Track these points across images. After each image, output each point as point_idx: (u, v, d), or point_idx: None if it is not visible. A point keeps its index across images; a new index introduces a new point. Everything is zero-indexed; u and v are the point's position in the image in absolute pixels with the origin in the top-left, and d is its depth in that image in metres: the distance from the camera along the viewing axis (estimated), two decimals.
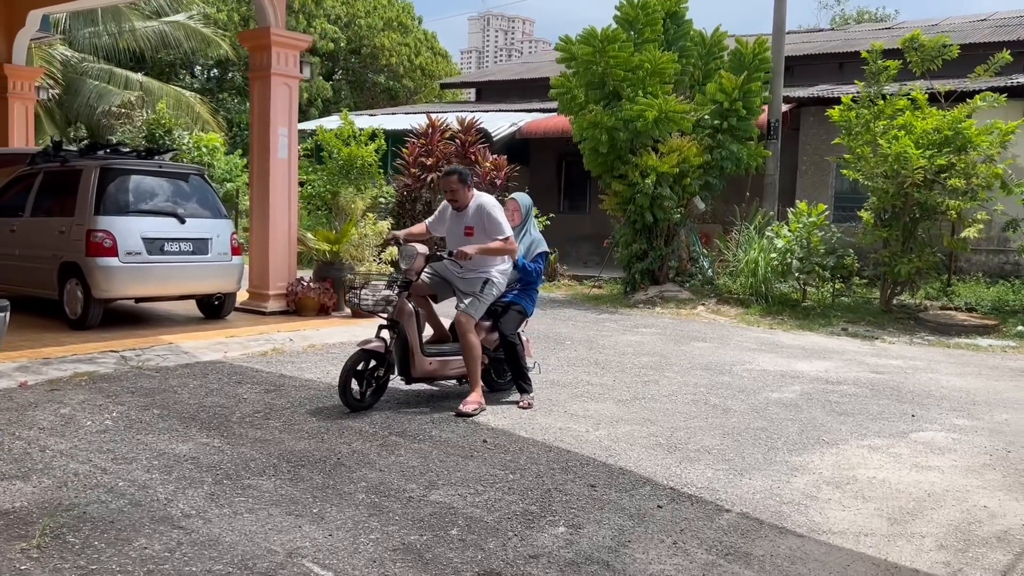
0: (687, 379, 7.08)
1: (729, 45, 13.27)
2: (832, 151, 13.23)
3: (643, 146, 11.99)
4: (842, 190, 15.02)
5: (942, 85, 11.85)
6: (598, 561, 3.43)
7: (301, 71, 10.20)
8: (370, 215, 12.08)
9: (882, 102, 11.21)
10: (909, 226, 10.81)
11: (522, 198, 6.38)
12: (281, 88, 9.72)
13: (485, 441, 5.02)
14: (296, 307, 9.68)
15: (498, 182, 14.00)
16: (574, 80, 12.26)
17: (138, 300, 9.07)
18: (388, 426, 5.27)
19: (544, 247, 6.26)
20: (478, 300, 5.74)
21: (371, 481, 4.25)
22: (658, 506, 4.06)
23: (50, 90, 18.99)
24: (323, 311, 9.77)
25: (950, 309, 11.13)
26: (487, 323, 5.92)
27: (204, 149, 19.25)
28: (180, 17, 22.79)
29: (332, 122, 17.67)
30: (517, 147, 17.51)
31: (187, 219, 8.66)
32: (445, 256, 5.76)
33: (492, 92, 24.06)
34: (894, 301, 11.30)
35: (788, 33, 17.19)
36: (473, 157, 14.46)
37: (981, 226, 10.67)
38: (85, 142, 10.07)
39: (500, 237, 5.69)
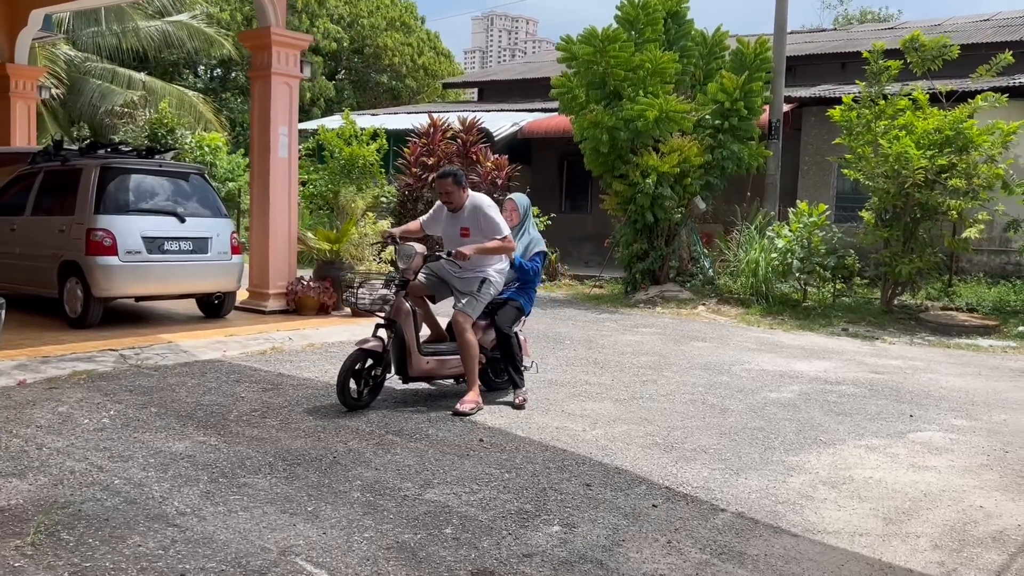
0: (686, 379, 7.07)
1: (730, 45, 13.27)
2: (833, 151, 13.21)
3: (644, 146, 11.99)
4: (843, 190, 15.01)
5: (944, 85, 11.83)
6: (592, 560, 3.43)
7: (302, 70, 10.21)
8: (370, 214, 12.10)
9: (883, 102, 11.20)
10: (910, 226, 10.79)
11: (520, 198, 6.38)
12: (282, 87, 9.73)
13: (481, 440, 5.02)
14: (296, 306, 9.70)
15: (499, 182, 14.00)
16: (575, 80, 12.26)
17: (138, 299, 9.10)
18: (385, 425, 5.27)
19: (542, 247, 6.25)
20: (475, 299, 5.74)
21: (366, 480, 4.25)
22: (653, 505, 4.06)
23: (53, 89, 19.01)
24: (323, 310, 9.78)
25: (951, 309, 11.11)
26: (484, 322, 5.92)
27: (206, 148, 19.29)
28: (183, 17, 22.82)
29: (334, 121, 17.69)
30: (519, 147, 17.51)
31: (187, 218, 8.67)
32: (443, 256, 5.76)
33: (494, 92, 24.07)
34: (895, 301, 11.28)
35: (790, 33, 17.20)
36: (474, 157, 14.47)
37: (982, 226, 10.66)
38: (87, 141, 10.08)
39: (498, 237, 5.68)
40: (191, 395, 5.89)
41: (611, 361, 7.76)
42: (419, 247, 5.76)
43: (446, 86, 32.03)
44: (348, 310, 9.86)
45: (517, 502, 4.03)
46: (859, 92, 11.62)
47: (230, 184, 19.01)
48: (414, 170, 14.83)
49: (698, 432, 5.38)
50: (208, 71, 32.77)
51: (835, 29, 28.79)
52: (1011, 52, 11.61)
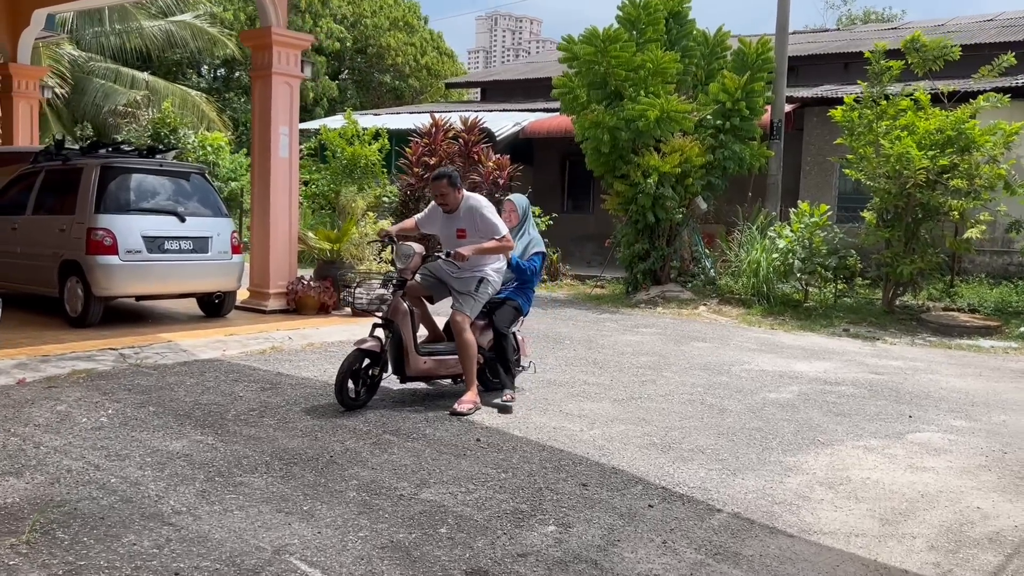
0: (685, 379, 7.06)
1: (732, 45, 13.25)
2: (835, 151, 13.19)
3: (645, 146, 11.98)
4: (845, 190, 14.98)
5: (946, 86, 11.80)
6: (586, 560, 3.43)
7: (302, 70, 10.22)
8: (370, 214, 12.10)
9: (885, 102, 11.17)
10: (912, 227, 10.77)
11: (519, 199, 6.38)
12: (282, 87, 9.74)
13: (478, 440, 5.02)
14: (296, 306, 9.70)
15: (501, 182, 14.00)
16: (576, 80, 12.25)
17: (139, 298, 9.12)
18: (382, 424, 5.27)
19: (541, 247, 6.25)
20: (473, 299, 5.74)
21: (363, 479, 4.25)
22: (649, 505, 4.05)
23: (55, 89, 19.07)
24: (323, 310, 9.79)
25: (953, 310, 11.08)
26: (482, 322, 5.92)
27: (209, 148, 19.32)
28: (186, 16, 22.88)
29: (336, 121, 17.71)
30: (521, 147, 17.51)
31: (187, 217, 8.68)
32: (442, 257, 5.75)
33: (497, 92, 24.08)
34: (897, 302, 11.26)
35: (793, 33, 17.18)
36: (476, 157, 14.47)
37: (984, 227, 10.63)
38: (89, 141, 10.12)
39: (496, 237, 5.67)
40: (189, 394, 5.90)
41: (610, 361, 7.76)
42: (417, 247, 5.76)
43: (449, 86, 32.04)
44: (348, 310, 9.87)
45: (513, 502, 4.02)
46: (861, 92, 11.60)
47: (233, 184, 19.04)
48: (416, 170, 14.84)
49: (696, 432, 5.38)
50: (211, 71, 32.83)
51: (838, 29, 28.73)
52: (1014, 53, 11.58)
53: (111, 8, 20.87)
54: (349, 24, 32.98)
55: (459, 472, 4.42)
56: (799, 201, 12.24)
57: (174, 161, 9.89)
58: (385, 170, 16.10)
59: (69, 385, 6.02)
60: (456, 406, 5.58)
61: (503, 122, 17.25)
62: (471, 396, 5.67)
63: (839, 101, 12.01)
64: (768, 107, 13.05)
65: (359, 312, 9.48)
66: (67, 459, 4.40)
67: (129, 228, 8.26)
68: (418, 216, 6.17)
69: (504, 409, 5.71)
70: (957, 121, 10.33)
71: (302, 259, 11.16)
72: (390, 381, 5.94)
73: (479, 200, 5.81)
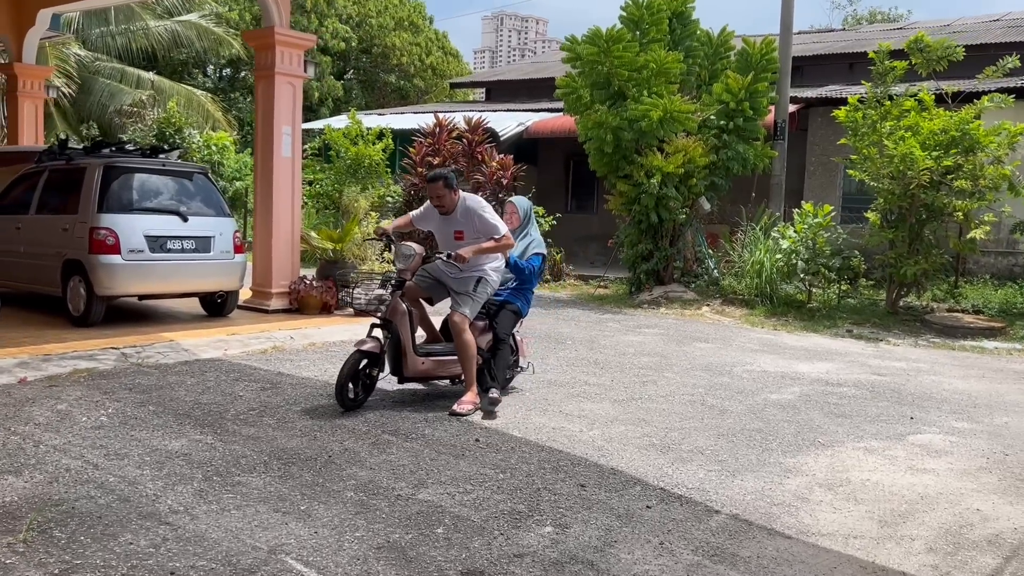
0: (686, 380, 7.05)
1: (736, 45, 13.23)
2: (839, 152, 13.15)
3: (648, 146, 11.96)
4: (850, 191, 14.93)
5: (951, 86, 11.76)
6: (583, 561, 3.42)
7: (305, 70, 10.23)
8: (373, 214, 12.11)
9: (889, 103, 11.14)
10: (915, 227, 10.73)
11: (520, 201, 6.37)
12: (285, 87, 9.75)
13: (477, 440, 5.01)
14: (299, 305, 9.71)
15: (504, 182, 14.00)
16: (579, 80, 12.24)
17: (141, 297, 9.13)
18: (381, 425, 5.27)
19: (541, 248, 6.24)
20: (472, 299, 5.73)
21: (360, 479, 4.25)
22: (647, 506, 4.04)
23: (63, 88, 19.13)
24: (325, 309, 9.79)
25: (957, 311, 11.04)
26: (481, 323, 5.91)
27: (214, 148, 19.35)
28: (192, 16, 22.93)
29: (340, 121, 17.72)
30: (525, 147, 17.50)
31: (190, 217, 8.70)
32: (441, 258, 5.74)
33: (502, 92, 24.06)
34: (900, 303, 11.22)
35: (798, 33, 17.14)
36: (480, 157, 14.47)
37: (988, 228, 10.57)
38: (92, 140, 10.17)
39: (496, 236, 5.66)
40: (190, 393, 5.90)
41: (612, 362, 7.75)
42: (418, 247, 5.76)
43: (454, 86, 32.03)
44: (351, 310, 9.88)
45: (510, 502, 4.02)
46: (865, 93, 11.57)
47: (237, 183, 19.06)
48: (420, 170, 14.83)
49: (696, 433, 5.36)
50: (217, 71, 32.91)
51: (843, 29, 28.67)
52: (1019, 53, 11.53)
53: (117, 8, 20.92)
54: (354, 24, 33.02)
55: (457, 472, 4.42)
56: (803, 201, 12.21)
57: (177, 161, 9.89)
58: (389, 170, 16.11)
59: (70, 384, 6.04)
60: (455, 407, 5.58)
61: (507, 122, 17.24)
62: (471, 397, 5.66)
63: (843, 101, 11.99)
64: (772, 107, 13.02)
65: (361, 312, 9.52)
66: (66, 458, 4.41)
67: (132, 228, 8.27)
68: (413, 213, 6.16)
69: (489, 412, 5.58)
70: (961, 122, 10.29)
71: (305, 259, 11.17)
72: (389, 382, 5.94)
73: (476, 201, 5.79)
